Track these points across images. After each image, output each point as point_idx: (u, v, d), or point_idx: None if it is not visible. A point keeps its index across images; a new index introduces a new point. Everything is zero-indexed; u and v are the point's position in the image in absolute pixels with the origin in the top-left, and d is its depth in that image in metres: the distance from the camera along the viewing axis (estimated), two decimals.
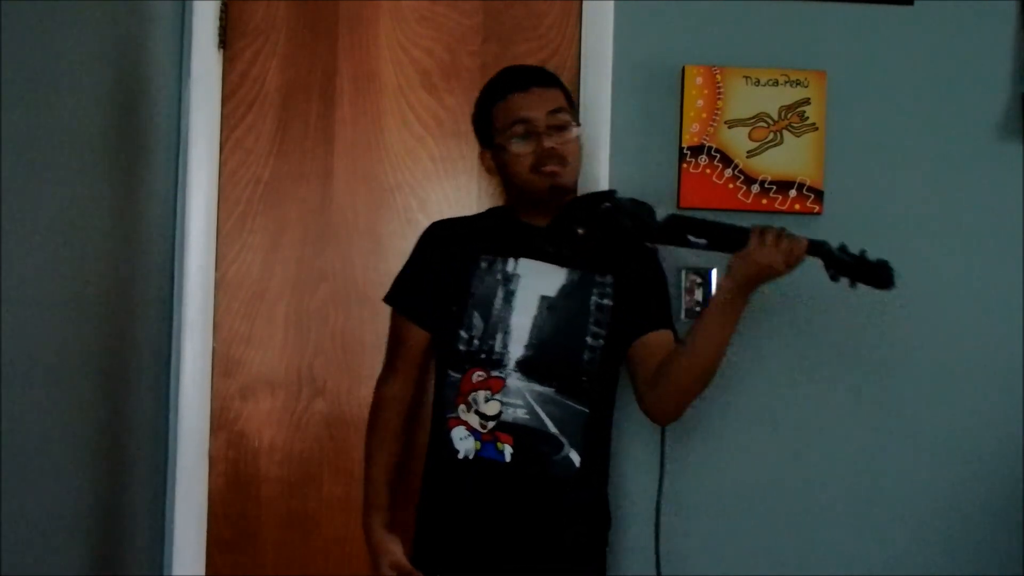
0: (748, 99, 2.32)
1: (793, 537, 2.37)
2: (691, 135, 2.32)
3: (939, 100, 2.39)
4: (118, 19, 1.91)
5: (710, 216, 2.30)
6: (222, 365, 2.37)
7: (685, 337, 1.84)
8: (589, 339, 1.87)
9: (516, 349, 1.86)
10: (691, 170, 2.32)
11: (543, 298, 1.88)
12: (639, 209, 1.84)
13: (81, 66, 1.69)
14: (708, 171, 2.32)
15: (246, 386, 2.37)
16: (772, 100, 2.32)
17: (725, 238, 1.78)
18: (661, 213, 1.84)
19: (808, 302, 2.37)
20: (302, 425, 2.38)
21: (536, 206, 1.91)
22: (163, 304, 2.31)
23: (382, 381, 2.03)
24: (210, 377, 2.36)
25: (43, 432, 1.57)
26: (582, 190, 2.30)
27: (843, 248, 1.77)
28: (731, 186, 2.32)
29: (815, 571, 2.36)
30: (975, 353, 2.38)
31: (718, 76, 2.32)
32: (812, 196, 2.33)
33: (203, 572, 2.35)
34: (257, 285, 2.38)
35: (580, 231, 1.82)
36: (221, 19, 2.35)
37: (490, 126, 1.92)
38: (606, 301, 1.89)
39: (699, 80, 2.32)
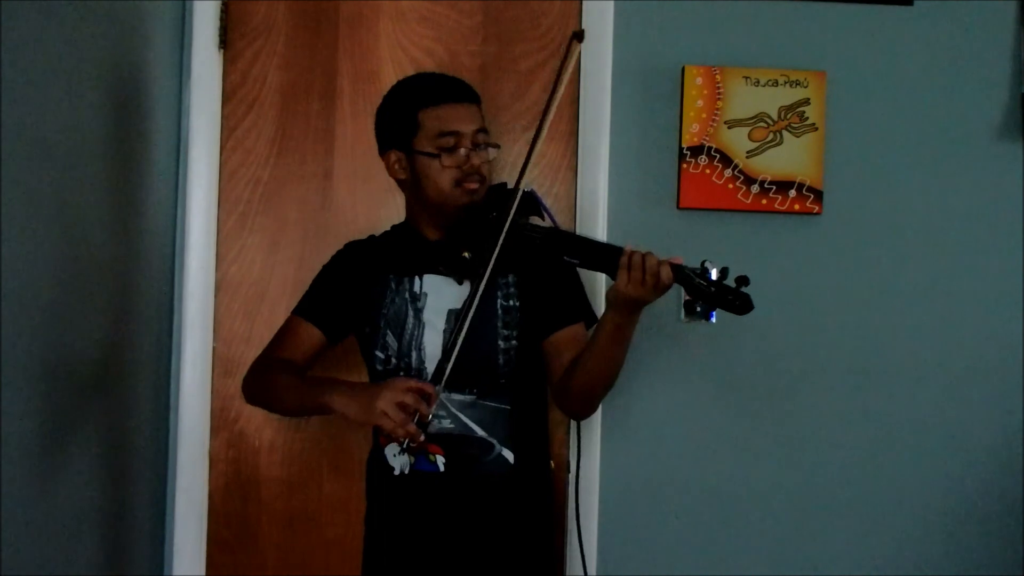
0: (748, 99, 2.32)
1: (788, 539, 2.37)
2: (691, 135, 2.32)
3: (939, 100, 2.39)
4: (118, 19, 1.91)
5: (712, 216, 2.33)
6: (222, 365, 2.37)
7: (583, 350, 1.82)
8: (501, 342, 1.88)
9: (431, 364, 1.86)
10: (691, 170, 2.32)
11: (451, 311, 1.88)
12: (525, 206, 1.81)
13: (82, 67, 1.69)
14: (708, 171, 2.32)
15: None
16: (772, 100, 2.32)
17: (596, 259, 1.77)
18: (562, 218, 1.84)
19: (802, 300, 2.37)
20: (302, 425, 2.38)
21: (441, 219, 1.89)
22: (163, 304, 2.31)
23: (260, 356, 1.99)
24: (210, 377, 2.36)
25: (43, 432, 1.57)
26: (581, 189, 2.31)
27: (703, 270, 1.68)
28: (731, 186, 2.32)
29: (814, 572, 2.36)
30: (975, 353, 2.38)
31: (718, 76, 2.32)
32: (812, 196, 2.33)
33: (203, 572, 2.35)
34: (257, 285, 2.39)
35: (466, 255, 1.81)
36: (221, 19, 2.35)
37: (413, 130, 1.86)
38: (512, 302, 1.90)
39: (699, 80, 2.32)
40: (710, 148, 2.32)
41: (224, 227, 2.37)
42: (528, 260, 1.84)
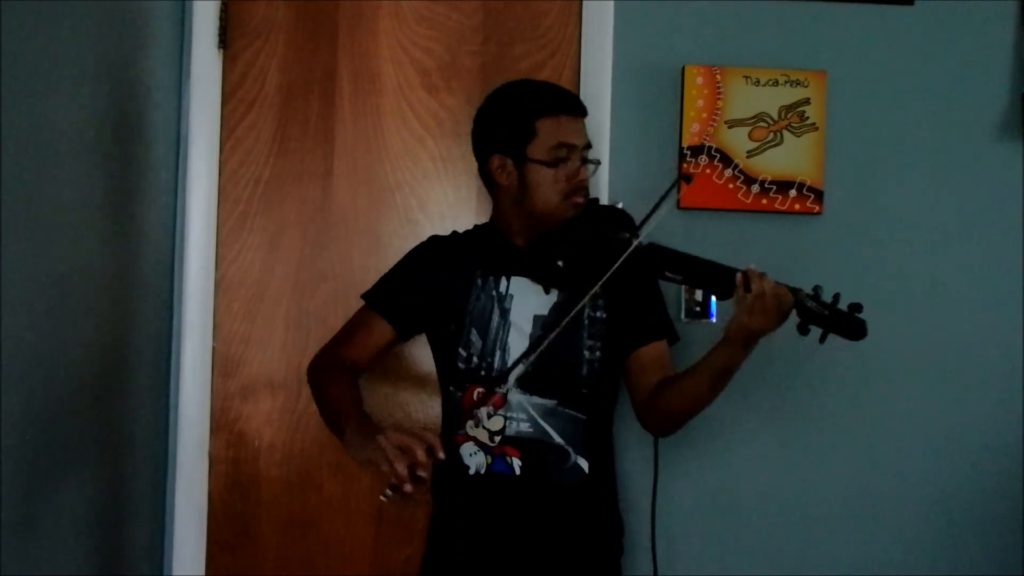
0: (748, 99, 2.32)
1: (792, 539, 2.37)
2: (691, 135, 2.32)
3: (939, 100, 2.39)
4: (118, 19, 1.91)
5: (712, 216, 2.33)
6: (222, 365, 2.37)
7: (684, 376, 1.81)
8: (586, 352, 1.87)
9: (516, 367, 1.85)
10: (691, 170, 2.32)
11: (536, 316, 1.88)
12: (620, 224, 1.82)
13: (81, 66, 1.69)
14: (708, 171, 2.32)
15: (246, 386, 2.37)
16: (772, 100, 2.32)
17: (701, 277, 1.75)
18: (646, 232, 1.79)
19: None
20: (302, 425, 2.38)
21: (537, 228, 1.89)
22: (163, 304, 2.31)
23: (326, 347, 1.99)
24: (210, 377, 2.36)
25: (43, 432, 1.57)
26: None
27: (816, 294, 1.68)
28: (731, 186, 2.32)
29: (813, 572, 2.36)
30: (975, 353, 2.38)
31: (718, 76, 2.32)
32: (812, 196, 2.33)
33: (203, 572, 2.35)
34: (257, 285, 2.38)
35: (560, 264, 1.81)
36: (221, 19, 2.35)
37: (528, 137, 1.86)
38: (599, 314, 1.89)
39: (699, 80, 2.32)
40: (710, 148, 2.32)
41: (224, 227, 2.37)
42: (625, 273, 1.79)
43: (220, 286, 2.37)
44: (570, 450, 1.86)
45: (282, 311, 2.38)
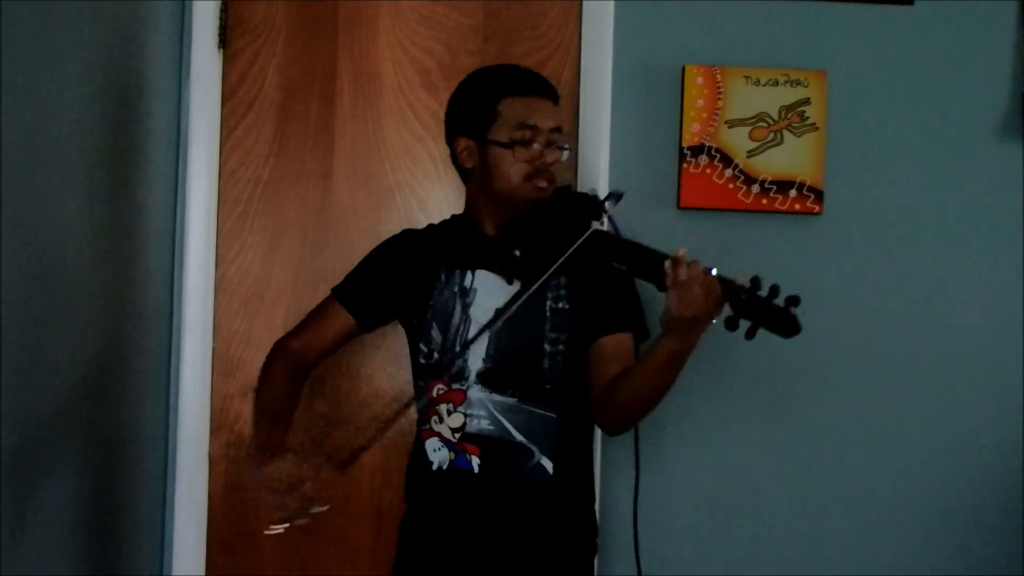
0: (748, 99, 2.32)
1: (788, 539, 2.37)
2: (691, 135, 2.32)
3: (939, 100, 2.39)
4: (118, 19, 1.91)
5: (713, 216, 2.33)
6: (222, 365, 2.37)
7: (632, 370, 1.73)
8: (547, 346, 1.82)
9: (475, 362, 1.82)
10: (691, 170, 2.32)
11: (498, 310, 1.81)
12: (584, 210, 1.76)
13: (81, 66, 1.69)
14: (708, 171, 2.32)
15: (246, 386, 2.37)
16: (772, 100, 2.32)
17: (644, 266, 1.66)
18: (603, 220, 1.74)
19: (803, 300, 2.37)
20: (302, 425, 2.37)
21: (503, 212, 1.84)
22: (163, 305, 2.31)
23: (283, 337, 1.97)
24: (210, 377, 2.36)
25: (43, 432, 1.57)
26: (581, 189, 2.31)
27: (752, 287, 1.55)
28: (731, 186, 2.32)
29: (810, 572, 2.36)
30: (975, 353, 2.38)
31: (718, 76, 2.32)
32: (812, 196, 2.33)
33: (203, 572, 2.35)
34: (257, 285, 2.38)
35: (517, 253, 1.77)
36: (221, 19, 2.35)
37: (491, 118, 1.82)
38: (562, 304, 1.84)
39: (699, 80, 2.32)
40: (710, 148, 2.32)
41: (224, 227, 2.37)
42: (578, 263, 1.74)
43: (220, 286, 2.37)
44: (534, 449, 1.81)
45: (282, 311, 2.38)
